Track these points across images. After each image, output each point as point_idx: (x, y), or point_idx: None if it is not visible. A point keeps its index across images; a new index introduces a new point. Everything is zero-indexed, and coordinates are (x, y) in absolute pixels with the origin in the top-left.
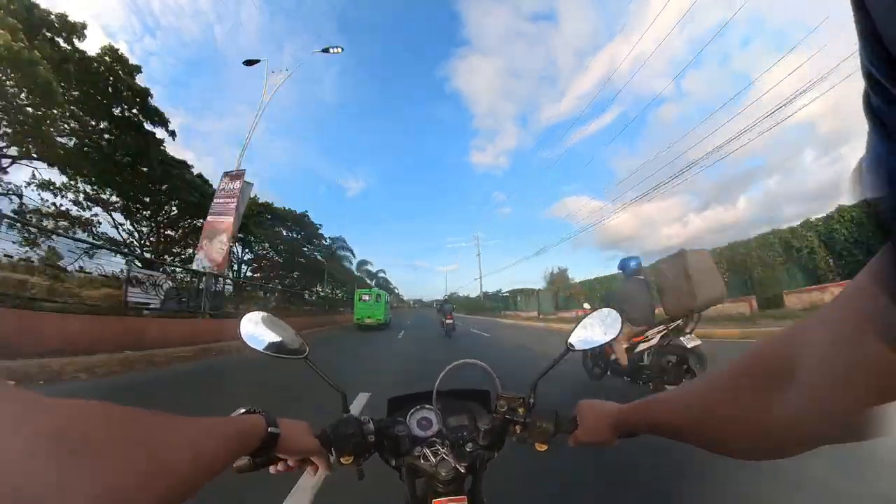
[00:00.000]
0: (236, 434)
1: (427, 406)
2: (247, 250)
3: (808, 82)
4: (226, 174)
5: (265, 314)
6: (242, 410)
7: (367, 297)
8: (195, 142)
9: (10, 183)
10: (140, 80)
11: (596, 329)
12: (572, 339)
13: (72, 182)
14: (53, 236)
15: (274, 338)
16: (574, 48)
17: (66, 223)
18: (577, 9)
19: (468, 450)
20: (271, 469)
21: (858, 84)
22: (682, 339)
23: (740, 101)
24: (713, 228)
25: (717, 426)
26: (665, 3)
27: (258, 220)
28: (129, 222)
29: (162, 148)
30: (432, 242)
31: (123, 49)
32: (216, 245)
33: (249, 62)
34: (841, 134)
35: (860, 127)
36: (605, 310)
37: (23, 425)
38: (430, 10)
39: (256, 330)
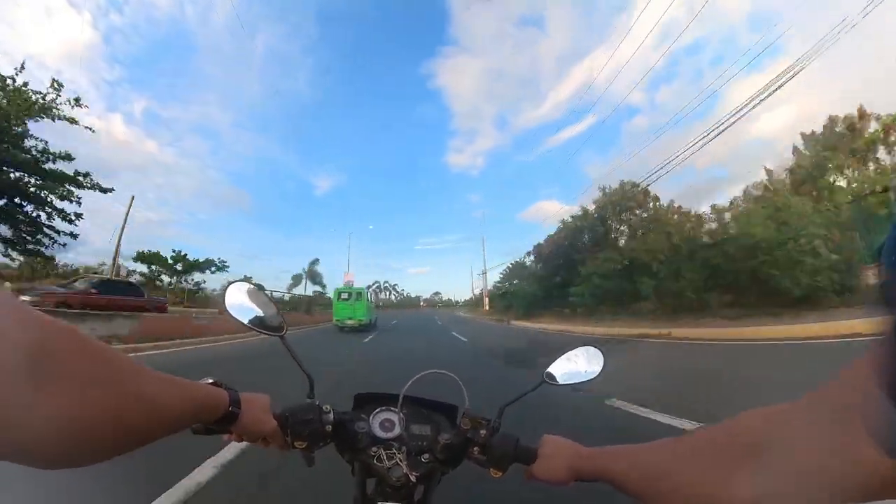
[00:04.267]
0: (199, 401)
1: (392, 408)
2: None
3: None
4: None
5: (251, 286)
6: (210, 381)
7: (345, 296)
8: (159, 129)
9: None
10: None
11: (580, 363)
12: (552, 370)
13: None
14: None
15: (257, 311)
16: (558, 55)
17: None
18: (566, 18)
19: (423, 460)
20: (225, 437)
21: (809, 104)
22: None
23: (707, 114)
24: None
25: (670, 490)
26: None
27: None
28: None
29: None
30: (402, 244)
31: (87, 20)
32: None
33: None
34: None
35: None
36: (586, 347)
37: (7, 333)
38: (418, 6)
39: (242, 300)
